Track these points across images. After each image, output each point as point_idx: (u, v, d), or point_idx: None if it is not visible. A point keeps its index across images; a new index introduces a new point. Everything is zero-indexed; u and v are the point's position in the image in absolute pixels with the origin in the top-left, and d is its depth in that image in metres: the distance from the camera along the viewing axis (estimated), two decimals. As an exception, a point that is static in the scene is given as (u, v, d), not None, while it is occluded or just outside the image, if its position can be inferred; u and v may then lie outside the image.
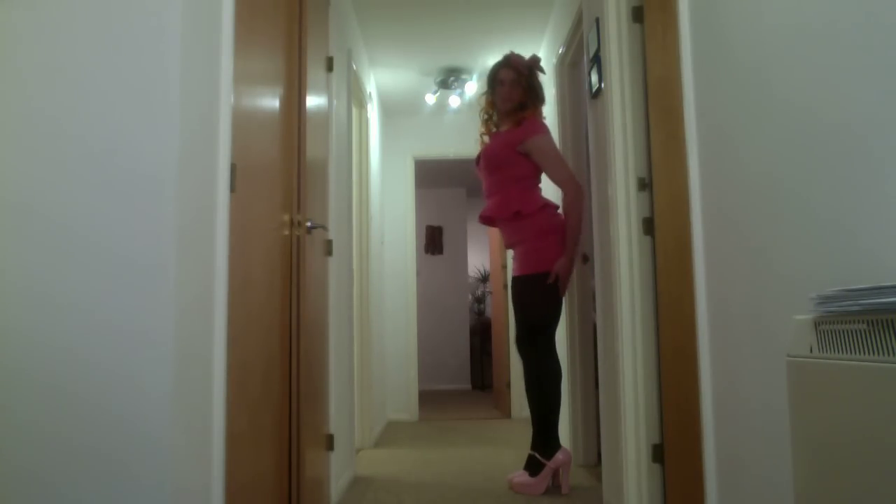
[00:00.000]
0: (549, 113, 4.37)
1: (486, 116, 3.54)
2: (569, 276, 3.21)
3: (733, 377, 1.66)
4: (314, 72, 2.68)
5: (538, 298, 3.19)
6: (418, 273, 6.18)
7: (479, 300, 8.98)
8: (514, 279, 3.32)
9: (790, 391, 1.14)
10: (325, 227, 2.84)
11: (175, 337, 1.40)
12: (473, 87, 5.22)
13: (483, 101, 3.56)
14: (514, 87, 3.36)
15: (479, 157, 3.47)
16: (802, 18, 1.32)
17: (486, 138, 3.51)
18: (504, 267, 5.88)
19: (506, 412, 5.88)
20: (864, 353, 0.95)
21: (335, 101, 3.20)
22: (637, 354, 2.46)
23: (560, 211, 3.31)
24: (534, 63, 3.44)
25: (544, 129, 3.34)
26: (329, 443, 2.89)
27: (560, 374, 3.25)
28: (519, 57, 3.45)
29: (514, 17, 4.28)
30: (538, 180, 3.36)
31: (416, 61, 4.97)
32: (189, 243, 1.49)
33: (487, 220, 3.42)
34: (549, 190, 3.47)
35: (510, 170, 3.28)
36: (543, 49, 4.63)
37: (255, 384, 1.93)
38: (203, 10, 1.61)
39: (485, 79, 3.54)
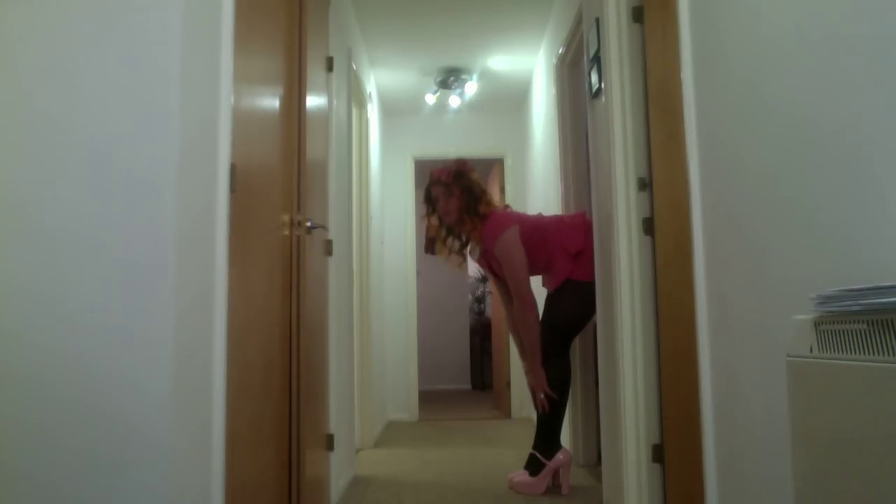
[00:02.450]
0: (549, 113, 4.38)
1: (444, 234, 3.45)
2: (540, 379, 3.18)
3: (733, 377, 1.66)
4: (314, 72, 2.68)
5: (577, 303, 3.17)
6: (418, 273, 6.17)
7: (479, 300, 8.97)
8: (563, 280, 3.26)
9: (790, 391, 1.14)
10: (325, 227, 2.83)
11: (175, 337, 1.40)
12: (473, 87, 5.21)
13: (428, 222, 3.50)
14: (447, 198, 3.35)
15: (490, 271, 3.48)
16: (802, 18, 1.32)
17: (457, 258, 3.52)
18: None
19: (506, 412, 5.87)
20: (864, 353, 0.95)
21: (335, 101, 3.20)
22: (637, 354, 2.46)
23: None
24: (459, 166, 3.41)
25: (501, 227, 3.26)
26: (329, 443, 2.89)
27: (570, 378, 3.28)
28: (441, 168, 3.44)
29: (514, 17, 4.28)
30: (547, 239, 3.26)
31: (416, 61, 4.97)
32: (189, 243, 1.49)
33: None
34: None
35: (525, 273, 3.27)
36: (543, 49, 4.63)
37: (255, 384, 1.93)
38: (203, 10, 1.61)
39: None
